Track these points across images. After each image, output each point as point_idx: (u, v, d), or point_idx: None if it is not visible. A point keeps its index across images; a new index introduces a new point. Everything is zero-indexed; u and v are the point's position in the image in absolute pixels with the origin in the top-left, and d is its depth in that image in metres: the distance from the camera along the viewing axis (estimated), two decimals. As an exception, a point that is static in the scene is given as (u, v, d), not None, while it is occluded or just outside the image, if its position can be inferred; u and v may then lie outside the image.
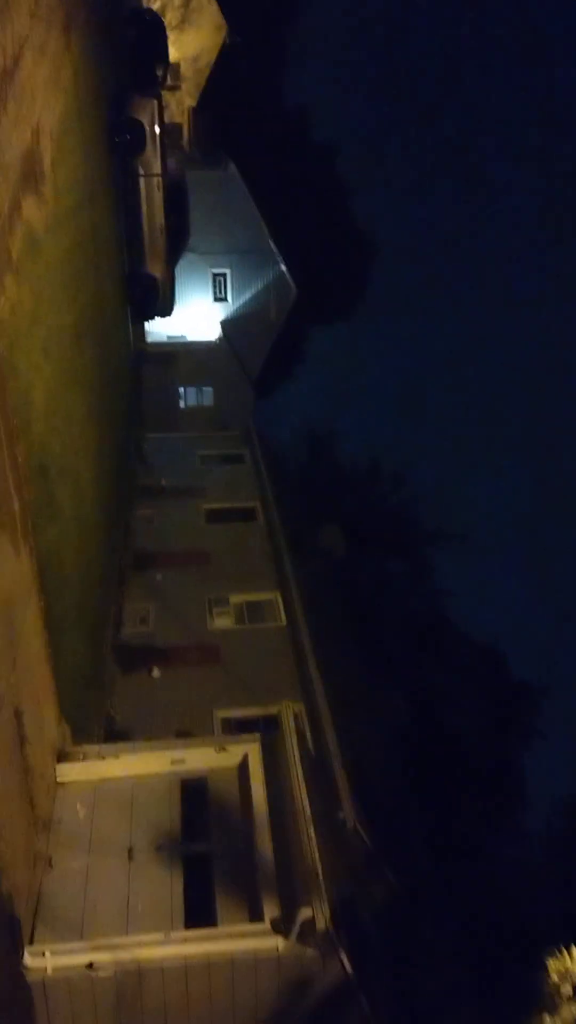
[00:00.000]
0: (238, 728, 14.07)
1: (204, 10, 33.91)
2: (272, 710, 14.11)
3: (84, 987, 8.22)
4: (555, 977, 7.70)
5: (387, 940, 10.03)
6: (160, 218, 21.25)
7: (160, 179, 20.85)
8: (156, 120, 20.73)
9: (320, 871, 8.85)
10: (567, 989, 7.84)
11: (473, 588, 44.03)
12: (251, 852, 9.50)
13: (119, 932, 8.68)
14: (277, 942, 8.46)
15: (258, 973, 8.46)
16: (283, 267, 28.80)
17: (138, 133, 20.11)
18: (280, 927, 8.55)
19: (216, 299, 29.12)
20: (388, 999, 9.04)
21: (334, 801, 12.15)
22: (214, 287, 28.96)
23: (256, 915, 8.78)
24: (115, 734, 13.33)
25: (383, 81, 61.96)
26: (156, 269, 21.95)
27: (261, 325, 29.28)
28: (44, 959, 8.22)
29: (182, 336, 28.82)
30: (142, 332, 27.10)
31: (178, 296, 25.77)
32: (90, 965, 8.23)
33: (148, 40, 24.18)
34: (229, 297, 29.20)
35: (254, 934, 8.56)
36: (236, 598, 17.51)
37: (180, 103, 33.46)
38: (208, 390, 29.39)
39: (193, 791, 10.38)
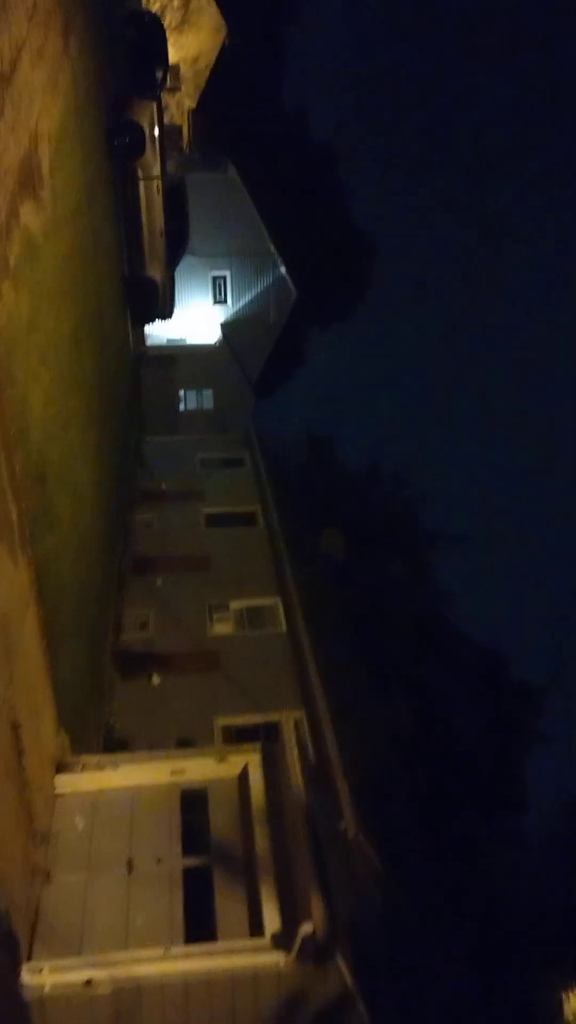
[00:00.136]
0: (238, 736, 13.98)
1: (204, 11, 33.82)
2: (272, 717, 14.10)
3: (82, 1004, 8.12)
4: (571, 1018, 7.60)
5: (389, 955, 9.94)
6: (160, 221, 21.14)
7: (160, 182, 20.72)
8: (155, 123, 20.61)
9: (320, 885, 8.76)
10: None
11: (473, 589, 43.96)
12: (251, 864, 9.40)
13: (118, 947, 8.58)
14: (278, 958, 8.37)
15: (258, 989, 8.36)
16: (283, 269, 28.71)
17: (137, 136, 19.99)
18: (281, 942, 8.46)
19: (216, 302, 29.02)
20: (390, 1015, 8.94)
21: (335, 810, 12.05)
22: (214, 290, 28.86)
23: (256, 930, 8.69)
24: (114, 742, 13.23)
25: (382, 83, 61.90)
26: (156, 272, 21.84)
27: (261, 328, 29.19)
28: (42, 976, 8.13)
29: (182, 339, 28.72)
30: (142, 335, 27.00)
31: (178, 299, 25.68)
32: (88, 982, 8.14)
33: (147, 42, 23.99)
34: (229, 300, 29.11)
35: (254, 949, 8.46)
36: (236, 603, 17.41)
37: (179, 105, 33.36)
38: (208, 393, 29.30)
39: (193, 802, 10.28)
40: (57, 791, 10.23)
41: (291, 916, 8.59)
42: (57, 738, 10.68)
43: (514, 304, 72.66)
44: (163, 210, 21.17)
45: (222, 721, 14.20)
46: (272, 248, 28.58)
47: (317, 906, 8.51)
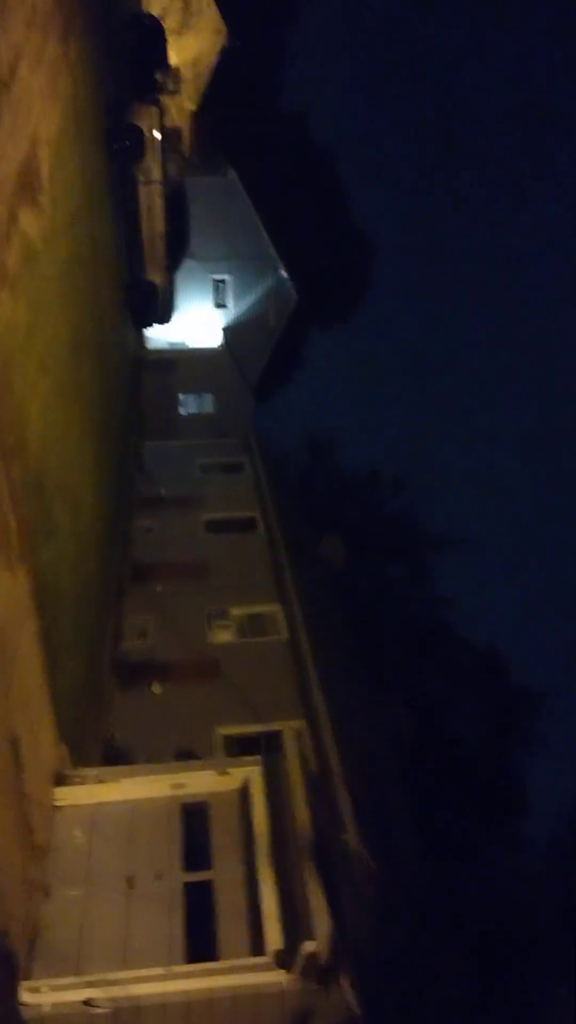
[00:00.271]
0: (240, 745, 13.85)
1: (204, 14, 33.74)
2: (274, 726, 13.98)
3: (82, 1024, 8.00)
4: None
5: (391, 972, 9.81)
6: (160, 225, 21.01)
7: (160, 186, 20.60)
8: (156, 126, 20.50)
9: (324, 902, 8.64)
10: None
11: (474, 594, 43.92)
12: (253, 880, 9.28)
13: (118, 965, 8.45)
14: (280, 977, 8.25)
15: (260, 1009, 8.23)
16: (283, 273, 28.58)
17: (137, 140, 19.86)
18: (283, 961, 8.33)
19: (216, 305, 28.91)
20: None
21: (337, 822, 11.93)
22: (214, 293, 28.75)
23: (258, 948, 8.56)
24: (114, 753, 13.10)
25: (383, 85, 61.89)
26: (156, 276, 21.72)
27: (261, 331, 29.06)
28: (41, 995, 8.01)
29: (182, 343, 28.61)
30: (142, 339, 26.88)
31: (178, 303, 25.57)
32: (88, 1001, 8.01)
33: (147, 45, 23.93)
34: (229, 303, 29.00)
35: (256, 968, 8.33)
36: (237, 611, 17.30)
37: (180, 107, 33.24)
38: (208, 397, 29.17)
39: (194, 816, 10.16)
40: (56, 804, 10.11)
41: (294, 934, 8.46)
42: (56, 750, 10.55)
43: (515, 307, 72.54)
44: (163, 214, 21.04)
45: (223, 731, 14.07)
46: (272, 252, 28.46)
47: (320, 924, 8.38)
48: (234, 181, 27.98)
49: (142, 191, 20.39)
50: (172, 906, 9.11)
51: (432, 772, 25.98)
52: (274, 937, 8.54)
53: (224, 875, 9.47)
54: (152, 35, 24.56)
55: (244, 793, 10.21)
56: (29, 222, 10.78)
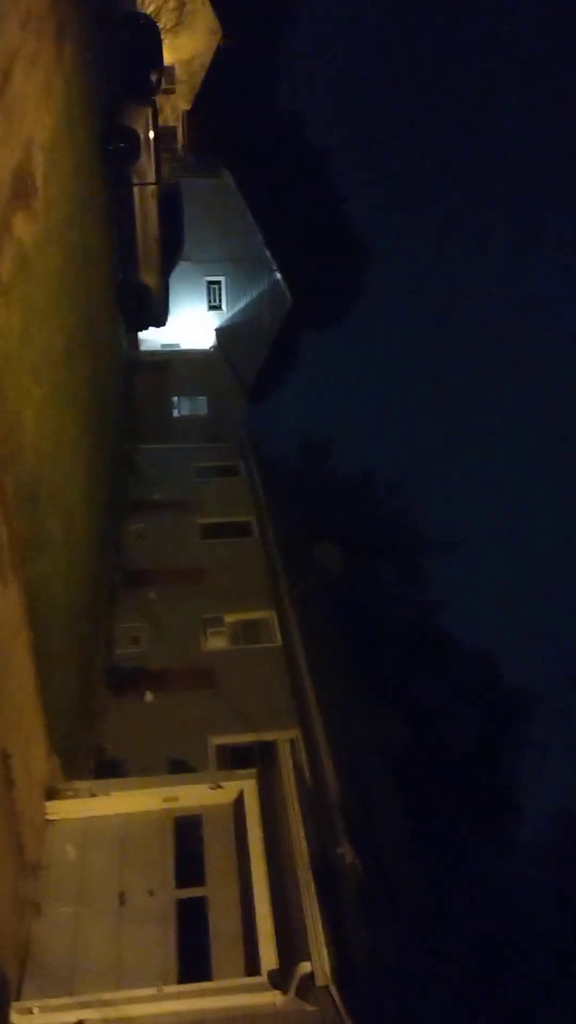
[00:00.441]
0: (233, 755, 13.74)
1: (199, 13, 33.59)
2: (268, 736, 13.86)
3: (73, 1046, 7.88)
4: None
5: (388, 991, 9.73)
6: (154, 227, 20.87)
7: (154, 188, 20.45)
8: (150, 127, 20.35)
9: (319, 921, 8.55)
10: None
11: (467, 597, 43.85)
12: (247, 897, 9.16)
13: (110, 985, 8.33)
14: (275, 998, 8.13)
15: (255, 1030, 8.13)
16: (278, 275, 28.45)
17: (132, 141, 19.71)
18: (278, 981, 8.22)
19: (211, 307, 28.76)
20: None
21: (332, 834, 11.84)
22: (209, 295, 28.59)
23: (253, 968, 8.44)
24: (106, 764, 12.97)
25: (378, 86, 61.75)
26: (150, 279, 21.58)
27: (256, 333, 28.91)
28: (32, 1017, 7.89)
29: (176, 344, 28.45)
30: (135, 341, 26.71)
31: (173, 305, 25.41)
32: (80, 1023, 7.89)
33: (142, 45, 23.75)
34: (224, 305, 28.85)
35: (251, 989, 8.22)
36: (231, 617, 17.15)
37: (174, 107, 33.10)
38: (202, 399, 29.00)
39: (187, 830, 10.04)
40: (48, 817, 9.99)
41: (289, 953, 8.36)
42: (48, 763, 10.43)
43: (510, 309, 72.59)
44: (157, 216, 20.90)
45: (217, 740, 13.93)
46: (267, 253, 28.32)
47: (315, 944, 8.29)
48: (229, 182, 27.83)
49: (136, 193, 20.25)
50: (165, 923, 9.00)
51: (425, 777, 25.91)
52: (269, 956, 8.42)
53: (217, 891, 9.36)
54: (146, 35, 24.39)
55: (238, 807, 10.10)
56: (23, 228, 10.64)
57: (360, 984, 8.73)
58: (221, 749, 13.87)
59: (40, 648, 10.08)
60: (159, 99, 24.69)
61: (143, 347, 27.68)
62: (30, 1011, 7.91)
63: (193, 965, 8.70)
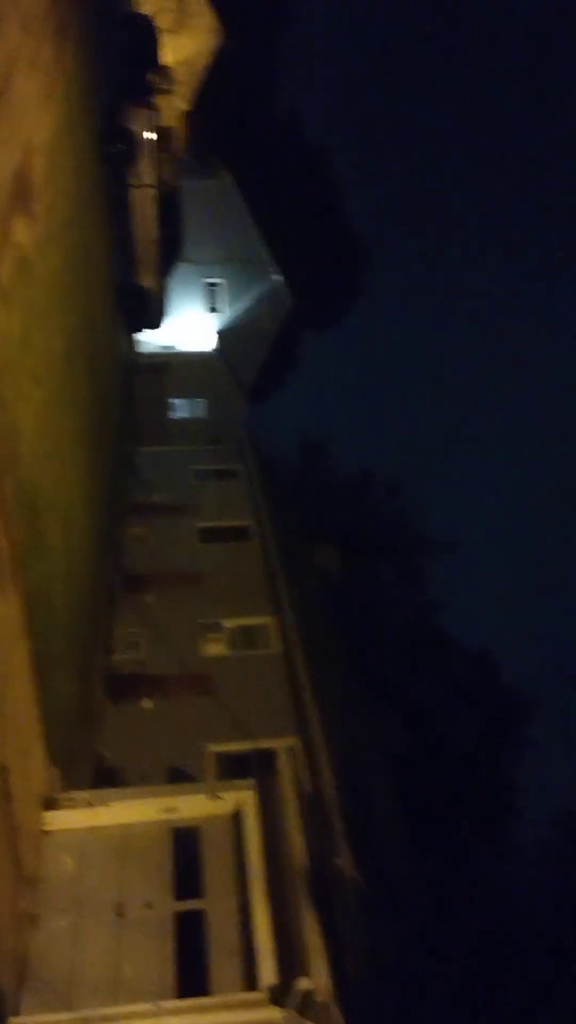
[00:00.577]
0: (232, 763, 13.63)
1: (198, 13, 33.44)
2: (267, 744, 13.76)
3: (71, 1063, 7.78)
4: None
5: (388, 1001, 9.63)
6: (153, 229, 20.74)
7: (153, 189, 20.33)
8: (149, 129, 20.22)
9: (319, 936, 8.46)
10: None
11: (467, 598, 43.78)
12: (246, 910, 9.07)
13: (108, 1000, 8.24)
14: (274, 1014, 8.03)
15: (254, 1046, 8.03)
16: (278, 277, 28.32)
17: (131, 143, 19.59)
18: (278, 997, 8.12)
19: (210, 309, 28.63)
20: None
21: (331, 844, 11.74)
22: (208, 297, 28.46)
23: (252, 983, 8.35)
24: (104, 772, 12.87)
25: (378, 86, 61.62)
26: (147, 281, 21.45)
27: (256, 335, 28.78)
28: (29, 1032, 7.79)
29: (175, 346, 28.32)
30: (134, 342, 26.58)
31: (172, 306, 25.32)
32: (77, 1039, 7.80)
33: (141, 46, 23.64)
34: (223, 307, 28.72)
35: (250, 1004, 8.12)
36: (230, 622, 17.06)
37: (174, 107, 32.96)
38: (201, 401, 28.87)
39: (185, 841, 9.94)
40: (45, 829, 9.88)
41: (288, 968, 8.26)
42: (46, 773, 10.32)
43: (510, 310, 72.52)
44: (156, 218, 20.77)
45: (215, 748, 13.82)
46: (267, 255, 28.19)
47: (315, 959, 8.20)
48: (228, 183, 27.71)
49: (135, 195, 20.12)
50: (163, 937, 8.90)
51: (425, 778, 25.86)
52: (268, 971, 8.32)
53: (216, 904, 9.26)
54: (145, 35, 24.26)
55: (237, 818, 10.00)
56: (22, 232, 10.53)
57: (360, 998, 8.64)
58: (219, 757, 13.76)
59: (39, 656, 9.98)
60: (158, 99, 24.55)
61: (142, 349, 27.55)
62: (28, 1027, 7.81)
63: (192, 979, 8.61)
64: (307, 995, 7.99)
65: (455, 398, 76.01)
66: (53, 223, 12.45)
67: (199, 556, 19.35)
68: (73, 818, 10.00)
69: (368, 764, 18.50)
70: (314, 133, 40.88)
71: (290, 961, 8.34)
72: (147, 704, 14.59)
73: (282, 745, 13.40)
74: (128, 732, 13.93)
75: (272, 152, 35.88)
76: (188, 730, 14.06)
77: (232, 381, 28.85)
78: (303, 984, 7.94)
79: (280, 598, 17.65)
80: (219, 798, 10.14)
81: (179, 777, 12.86)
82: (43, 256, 11.63)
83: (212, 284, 28.25)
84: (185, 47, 33.56)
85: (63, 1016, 7.97)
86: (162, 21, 30.00)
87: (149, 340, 27.50)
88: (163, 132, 21.58)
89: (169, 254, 22.81)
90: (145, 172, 20.13)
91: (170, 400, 28.15)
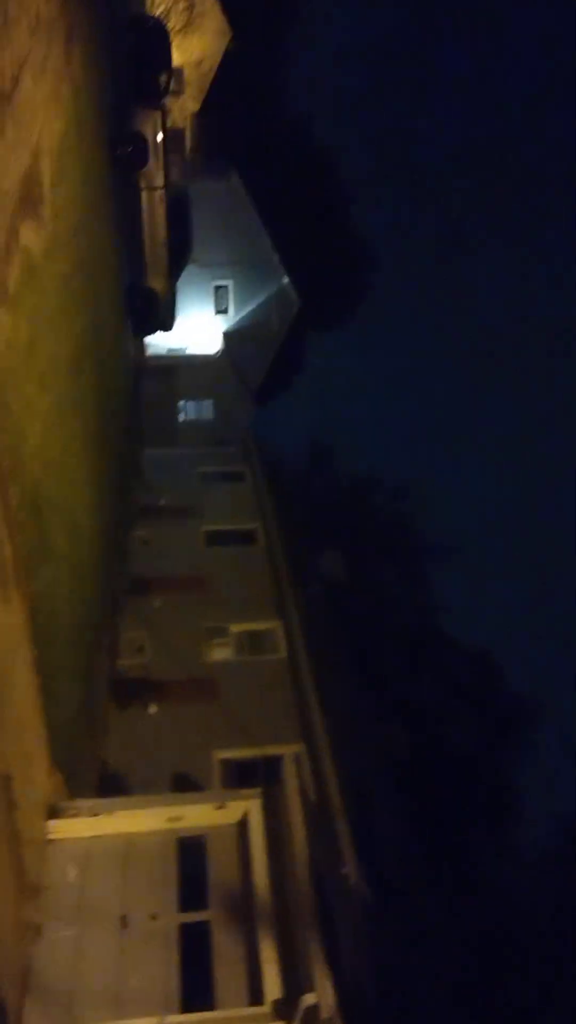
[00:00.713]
0: (238, 770, 13.57)
1: (208, 15, 33.44)
2: (272, 751, 13.70)
3: (73, 1077, 7.72)
4: None
5: (392, 1012, 9.56)
6: (162, 232, 20.69)
7: (162, 192, 20.27)
8: (158, 131, 20.17)
9: (324, 950, 8.37)
10: None
11: (471, 601, 43.68)
12: (251, 922, 8.99)
13: (112, 1012, 8.17)
14: (279, 1029, 7.97)
15: (258, 1062, 7.96)
16: (286, 279, 28.26)
17: (140, 146, 19.53)
18: (282, 1012, 8.04)
19: (218, 311, 28.56)
20: None
21: (337, 854, 11.68)
22: (216, 299, 28.40)
23: (256, 997, 8.27)
24: (109, 778, 12.81)
25: (389, 87, 61.50)
26: (157, 283, 21.39)
27: (263, 338, 28.72)
28: (31, 1046, 7.72)
29: (182, 349, 28.26)
30: (142, 345, 26.55)
31: (179, 308, 25.24)
32: (80, 1053, 7.73)
33: (150, 47, 23.55)
34: (231, 309, 28.66)
35: (255, 1020, 8.05)
36: (236, 627, 17.00)
37: (183, 108, 32.95)
38: (208, 403, 28.83)
39: (190, 851, 9.87)
40: (49, 837, 9.82)
41: (294, 983, 8.18)
42: (50, 780, 10.26)
43: (518, 315, 72.31)
44: (165, 220, 20.72)
45: (220, 755, 13.77)
46: (275, 258, 28.13)
47: (321, 974, 8.11)
48: (237, 186, 27.64)
49: (144, 197, 20.07)
50: (167, 948, 8.83)
51: (429, 782, 25.73)
52: (273, 986, 8.25)
53: (221, 916, 9.19)
54: (155, 37, 24.18)
55: (243, 828, 9.93)
56: (30, 236, 10.47)
57: (365, 1013, 8.56)
58: (225, 763, 13.70)
59: (43, 663, 9.91)
60: (167, 101, 24.51)
61: (149, 351, 27.52)
62: (30, 1039, 7.75)
63: (196, 991, 8.54)
64: (312, 1010, 7.91)
65: (460, 401, 75.86)
66: (61, 227, 12.38)
67: (205, 560, 19.29)
68: (77, 827, 9.93)
69: (373, 769, 18.42)
70: (322, 135, 40.81)
71: (295, 975, 8.26)
72: (152, 709, 14.53)
73: (287, 752, 13.31)
74: (133, 737, 13.87)
75: (280, 154, 35.80)
76: (193, 736, 14.00)
77: (239, 383, 28.80)
78: (308, 1000, 7.86)
79: (286, 603, 17.60)
80: (224, 807, 10.07)
81: (184, 783, 12.81)
82: (51, 261, 11.56)
83: (220, 286, 28.19)
84: (194, 48, 33.55)
85: (66, 1029, 7.90)
86: (172, 22, 30.00)
87: (157, 342, 27.47)
88: (172, 134, 21.55)
89: (178, 256, 22.75)
90: (154, 174, 20.07)
91: (177, 402, 28.11)
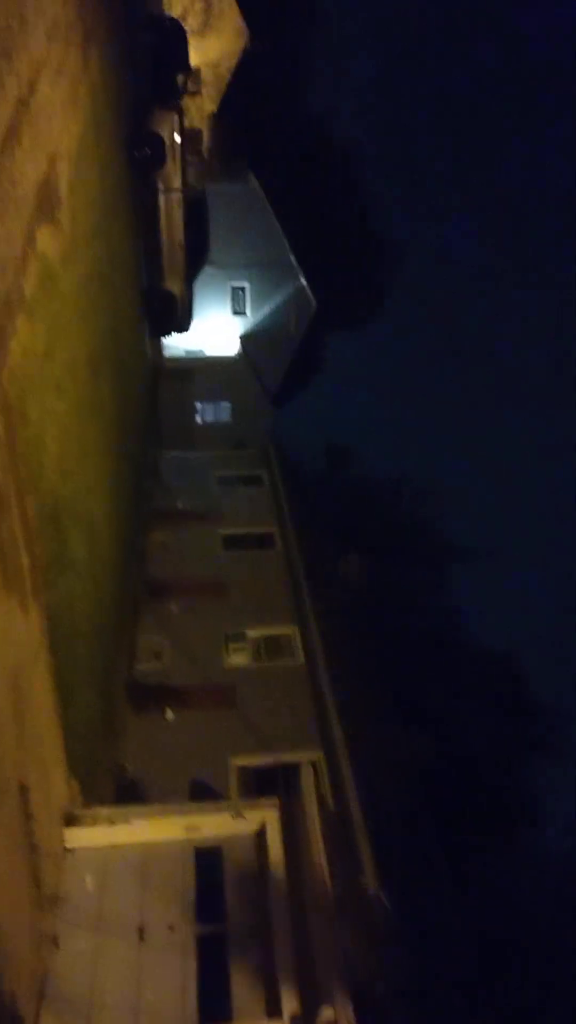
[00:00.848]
0: (255, 777, 13.47)
1: (225, 15, 33.40)
2: (290, 758, 13.59)
3: None
4: None
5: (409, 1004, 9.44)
6: (179, 233, 20.66)
7: (179, 194, 20.23)
8: (176, 132, 20.13)
9: (342, 962, 8.27)
10: None
11: (493, 606, 43.28)
12: (269, 933, 8.90)
13: (129, 1025, 8.11)
14: (298, 1044, 7.87)
15: (276, 1077, 7.87)
16: (303, 281, 28.13)
17: (157, 147, 19.50)
18: (300, 1027, 7.95)
19: (235, 313, 28.47)
20: None
21: (355, 863, 11.55)
22: (233, 301, 28.31)
23: (274, 1010, 8.18)
24: (126, 784, 12.75)
25: (406, 90, 61.19)
26: (174, 285, 21.37)
27: (281, 339, 28.59)
28: (48, 1059, 7.67)
29: (200, 351, 28.20)
30: (159, 347, 26.52)
31: (196, 310, 25.22)
32: (97, 1067, 7.67)
33: (168, 48, 23.52)
34: (248, 311, 28.56)
35: (272, 1034, 7.97)
36: (253, 632, 16.88)
37: (200, 109, 32.90)
38: (226, 405, 28.74)
39: (208, 861, 9.80)
40: (66, 846, 9.78)
41: (312, 996, 8.09)
42: (67, 788, 10.22)
43: (541, 313, 71.71)
44: (182, 222, 20.69)
45: (238, 761, 13.66)
46: (292, 259, 28.00)
47: (339, 987, 8.01)
48: (254, 187, 27.52)
49: (162, 199, 20.05)
50: (185, 960, 8.76)
51: (449, 789, 25.57)
52: (291, 1000, 8.16)
53: (238, 927, 9.11)
54: (172, 37, 24.15)
55: (260, 838, 9.85)
56: (47, 242, 10.43)
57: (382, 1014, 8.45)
58: (243, 771, 13.60)
59: (61, 672, 9.87)
60: (185, 101, 24.48)
61: (167, 353, 27.49)
62: (46, 1052, 7.70)
63: (213, 1003, 8.47)
64: (330, 1025, 7.82)
65: (483, 402, 75.42)
66: (78, 231, 12.35)
67: (223, 564, 19.20)
68: (94, 836, 9.88)
69: (392, 777, 18.28)
70: (341, 136, 40.63)
71: (313, 988, 8.17)
72: (169, 715, 14.46)
73: (305, 759, 13.20)
74: (150, 743, 13.80)
75: (298, 155, 35.68)
76: (211, 742, 13.91)
77: (257, 385, 28.69)
78: (326, 1015, 7.77)
79: (304, 608, 17.47)
80: (242, 817, 9.99)
81: (201, 790, 12.73)
82: (68, 265, 11.52)
83: (238, 288, 28.11)
84: (212, 48, 33.49)
85: (83, 1042, 7.84)
86: (189, 22, 29.95)
87: (174, 344, 27.44)
88: (190, 135, 21.51)
89: (195, 259, 22.72)
90: (172, 176, 20.04)
91: (194, 404, 28.07)
